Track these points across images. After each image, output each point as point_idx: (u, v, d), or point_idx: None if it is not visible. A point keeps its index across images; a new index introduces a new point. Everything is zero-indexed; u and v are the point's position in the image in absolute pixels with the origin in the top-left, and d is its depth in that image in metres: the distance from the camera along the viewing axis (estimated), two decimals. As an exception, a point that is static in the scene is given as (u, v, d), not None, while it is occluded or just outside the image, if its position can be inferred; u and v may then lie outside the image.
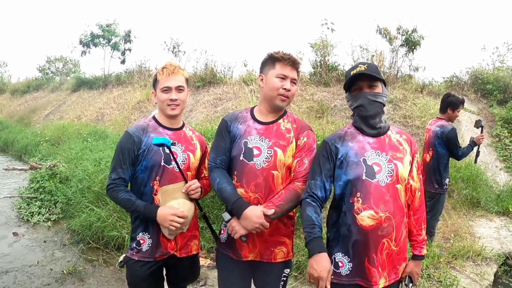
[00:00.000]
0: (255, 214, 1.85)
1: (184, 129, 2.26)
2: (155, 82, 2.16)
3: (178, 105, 2.12)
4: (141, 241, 2.11)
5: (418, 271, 1.96)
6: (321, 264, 1.70)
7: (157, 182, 2.08)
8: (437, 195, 4.29)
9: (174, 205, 2.03)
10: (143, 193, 2.10)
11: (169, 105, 2.10)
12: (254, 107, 2.16)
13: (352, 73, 1.87)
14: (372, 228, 1.78)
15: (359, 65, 1.88)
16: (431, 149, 4.34)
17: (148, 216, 2.01)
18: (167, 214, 1.97)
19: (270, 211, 1.85)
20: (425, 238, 1.97)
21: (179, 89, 2.12)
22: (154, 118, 2.21)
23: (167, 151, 2.04)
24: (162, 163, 2.08)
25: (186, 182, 2.09)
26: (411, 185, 1.90)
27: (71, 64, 25.73)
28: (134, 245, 2.12)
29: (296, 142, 2.03)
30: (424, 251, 1.96)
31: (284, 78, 1.98)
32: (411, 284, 1.95)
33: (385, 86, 1.91)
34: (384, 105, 1.89)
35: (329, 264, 1.72)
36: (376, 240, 1.79)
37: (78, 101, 16.68)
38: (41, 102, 19.23)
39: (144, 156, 2.08)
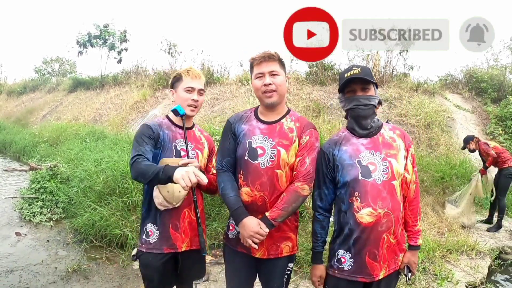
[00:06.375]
0: (251, 224, 1.95)
1: (194, 129, 2.35)
2: (177, 81, 2.25)
3: (196, 107, 2.23)
4: (150, 233, 2.16)
5: (415, 261, 2.05)
6: (315, 273, 2.12)
7: None
8: None
9: None
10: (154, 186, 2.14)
11: (189, 105, 2.20)
12: (258, 106, 2.22)
13: (346, 75, 1.95)
14: (372, 225, 1.88)
15: (353, 68, 1.95)
16: None
17: (167, 174, 1.82)
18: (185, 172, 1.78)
19: (266, 230, 1.96)
20: (420, 229, 2.06)
21: (200, 92, 2.24)
22: (167, 117, 2.30)
23: (183, 153, 2.15)
24: None
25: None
26: (406, 177, 1.98)
27: (67, 64, 25.72)
28: (144, 237, 2.17)
29: (299, 141, 2.06)
30: (420, 241, 2.05)
31: (261, 75, 2.05)
32: (410, 274, 2.04)
33: (377, 88, 2.01)
34: (376, 107, 1.98)
35: (320, 272, 2.10)
36: (377, 235, 1.89)
37: (75, 101, 16.69)
38: (37, 103, 19.22)
39: (159, 153, 2.14)
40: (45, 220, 5.62)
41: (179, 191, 2.11)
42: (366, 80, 1.92)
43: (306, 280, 3.83)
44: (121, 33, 17.15)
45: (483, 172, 5.92)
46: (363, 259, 1.91)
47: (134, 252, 2.22)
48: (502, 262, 4.79)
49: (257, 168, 2.04)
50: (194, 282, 2.46)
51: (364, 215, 1.88)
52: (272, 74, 2.05)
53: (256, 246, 1.98)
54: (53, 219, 5.68)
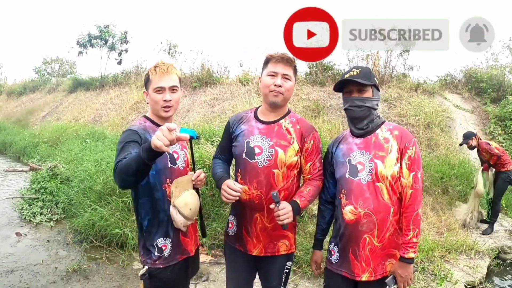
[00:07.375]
0: (227, 183, 2.01)
1: None
2: (147, 81, 2.04)
3: (171, 106, 2.02)
4: (163, 248, 2.02)
5: (402, 274, 1.88)
6: (312, 257, 2.30)
7: (168, 184, 2.01)
8: None
9: (187, 195, 2.02)
10: (157, 198, 2.00)
11: (163, 107, 2.00)
12: (258, 107, 2.25)
13: (345, 76, 1.98)
14: (353, 222, 1.93)
15: (353, 69, 1.98)
16: None
17: (147, 148, 1.54)
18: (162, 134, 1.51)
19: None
20: (414, 240, 1.87)
21: (172, 89, 2.02)
22: (147, 118, 2.10)
23: (176, 155, 2.06)
24: (169, 165, 2.01)
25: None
26: (401, 181, 1.90)
27: (67, 65, 25.72)
28: (156, 253, 2.01)
29: (303, 146, 2.10)
30: (410, 254, 1.86)
31: (274, 75, 2.06)
32: (394, 286, 1.90)
33: (377, 89, 2.01)
34: (374, 109, 1.97)
35: (316, 258, 2.27)
36: (357, 234, 1.93)
37: (75, 102, 16.68)
38: (37, 103, 19.19)
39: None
40: (45, 221, 5.63)
41: (197, 205, 2.09)
42: (360, 82, 1.94)
43: (305, 280, 3.84)
44: (122, 34, 17.16)
45: (486, 168, 5.90)
46: (347, 254, 1.99)
47: (144, 271, 2.04)
48: (501, 262, 4.80)
49: (254, 166, 2.08)
50: (193, 282, 2.47)
51: (347, 212, 1.96)
52: (285, 77, 2.08)
53: (234, 193, 1.96)
54: (53, 219, 5.69)
